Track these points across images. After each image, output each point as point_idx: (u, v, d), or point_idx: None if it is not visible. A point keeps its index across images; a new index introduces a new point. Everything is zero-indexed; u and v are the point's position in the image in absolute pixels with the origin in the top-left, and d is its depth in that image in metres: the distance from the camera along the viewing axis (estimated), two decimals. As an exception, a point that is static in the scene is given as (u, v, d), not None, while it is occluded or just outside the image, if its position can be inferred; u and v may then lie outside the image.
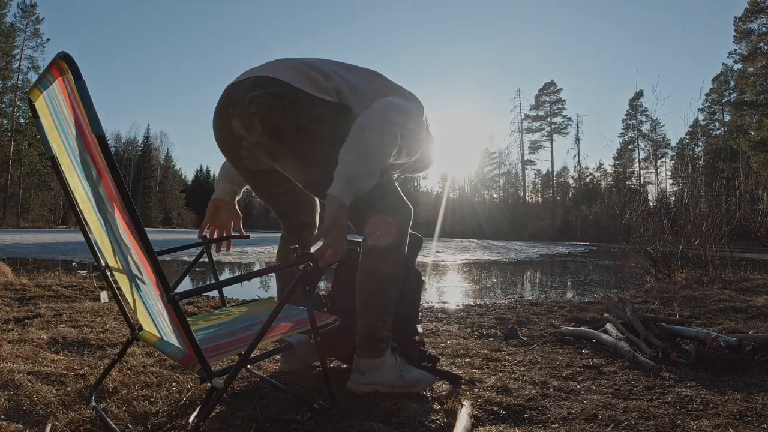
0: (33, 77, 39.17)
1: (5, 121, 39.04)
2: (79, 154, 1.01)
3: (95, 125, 0.87)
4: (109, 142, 0.92)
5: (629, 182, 47.39)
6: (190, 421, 1.28)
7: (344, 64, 1.52)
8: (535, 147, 53.44)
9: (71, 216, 40.10)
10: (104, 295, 3.40)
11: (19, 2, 38.95)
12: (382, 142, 1.37)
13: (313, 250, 1.44)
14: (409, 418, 1.36)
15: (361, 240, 1.52)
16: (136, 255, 0.99)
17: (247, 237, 1.76)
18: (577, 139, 51.81)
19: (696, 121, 43.21)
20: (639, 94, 47.13)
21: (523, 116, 53.00)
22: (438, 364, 1.67)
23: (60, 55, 0.88)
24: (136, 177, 51.00)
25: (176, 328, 1.02)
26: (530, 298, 4.93)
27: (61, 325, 2.37)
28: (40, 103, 1.13)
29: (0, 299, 3.17)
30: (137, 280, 1.10)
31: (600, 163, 56.98)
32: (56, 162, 1.23)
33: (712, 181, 8.10)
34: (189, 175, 68.60)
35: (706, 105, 43.85)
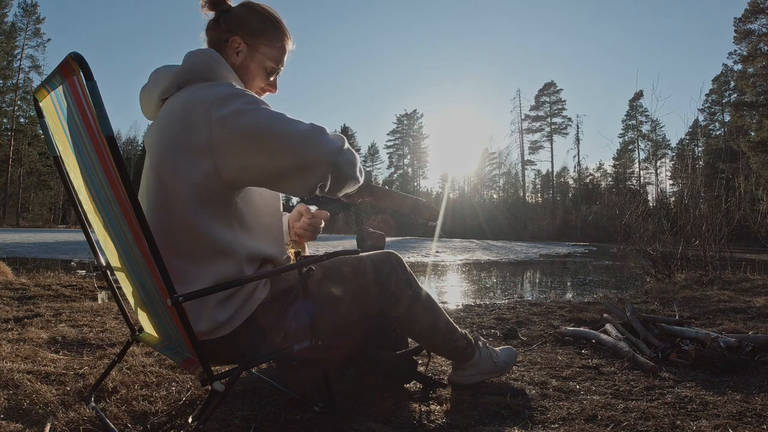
0: (34, 76, 39.29)
1: (5, 120, 39.07)
2: (87, 154, 1.01)
3: (105, 126, 0.87)
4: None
5: (629, 183, 47.43)
6: (190, 421, 1.28)
7: None
8: (535, 147, 53.46)
9: (71, 215, 40.19)
10: (102, 297, 3.40)
11: (20, 1, 39.03)
12: None
13: (308, 252, 1.45)
14: (409, 418, 1.36)
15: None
16: (142, 256, 0.99)
17: None
18: (577, 140, 51.83)
19: (696, 121, 43.38)
20: (639, 95, 47.17)
21: (523, 116, 53.03)
22: (427, 370, 1.67)
23: (72, 56, 0.88)
24: (136, 176, 50.97)
25: (179, 330, 1.02)
26: (530, 298, 4.93)
27: (61, 325, 2.37)
28: (47, 103, 1.14)
29: (0, 298, 3.17)
30: (141, 281, 1.10)
31: (600, 164, 56.94)
32: (60, 161, 1.23)
33: (712, 181, 8.10)
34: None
35: (706, 105, 43.95)
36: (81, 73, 0.87)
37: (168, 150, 1.07)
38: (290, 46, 1.30)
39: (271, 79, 1.29)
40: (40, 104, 1.17)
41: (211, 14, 1.26)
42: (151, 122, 1.22)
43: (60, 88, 1.03)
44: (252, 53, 1.23)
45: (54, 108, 1.11)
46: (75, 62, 0.88)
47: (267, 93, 1.31)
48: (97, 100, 0.86)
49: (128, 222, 0.97)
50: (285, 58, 1.30)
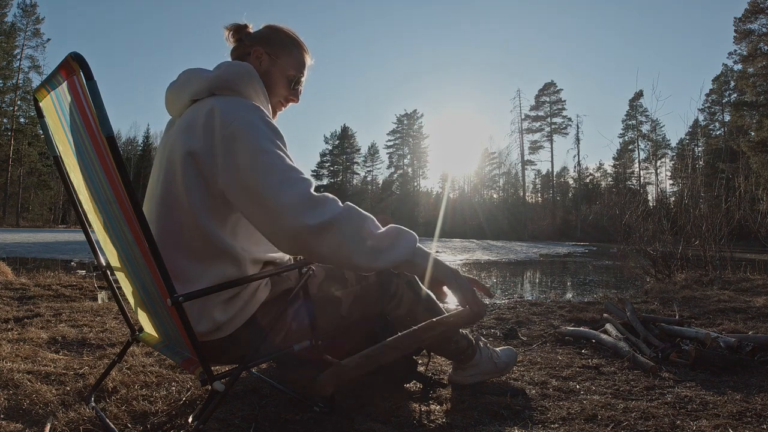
0: (33, 77, 39.33)
1: (5, 120, 39.09)
2: (87, 154, 1.01)
3: (105, 126, 0.87)
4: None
5: (629, 182, 47.41)
6: (190, 421, 1.28)
7: None
8: (535, 147, 53.45)
9: (71, 215, 40.19)
10: (102, 296, 3.40)
11: (19, 2, 39.05)
12: None
13: None
14: (409, 418, 1.36)
15: None
16: (142, 256, 0.99)
17: None
18: (577, 140, 51.82)
19: (696, 121, 43.43)
20: (639, 95, 47.19)
21: (523, 116, 53.04)
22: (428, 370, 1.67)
23: (72, 56, 0.88)
24: (136, 176, 51.16)
25: (179, 330, 1.02)
26: (530, 298, 4.93)
27: (61, 325, 2.37)
28: (47, 103, 1.14)
29: (0, 298, 3.17)
30: (141, 281, 1.11)
31: (600, 164, 56.90)
32: (60, 161, 1.23)
33: (712, 181, 8.09)
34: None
35: (706, 105, 43.98)
36: (81, 72, 0.87)
37: (183, 149, 1.09)
38: (309, 60, 1.34)
39: (293, 88, 1.31)
40: (40, 104, 1.17)
41: (234, 41, 1.32)
42: (170, 118, 1.25)
43: (60, 88, 1.03)
44: (273, 62, 1.27)
45: (54, 108, 1.11)
46: (75, 62, 0.88)
47: (290, 103, 1.34)
48: (98, 99, 0.86)
49: (128, 222, 0.97)
50: (305, 70, 1.34)
